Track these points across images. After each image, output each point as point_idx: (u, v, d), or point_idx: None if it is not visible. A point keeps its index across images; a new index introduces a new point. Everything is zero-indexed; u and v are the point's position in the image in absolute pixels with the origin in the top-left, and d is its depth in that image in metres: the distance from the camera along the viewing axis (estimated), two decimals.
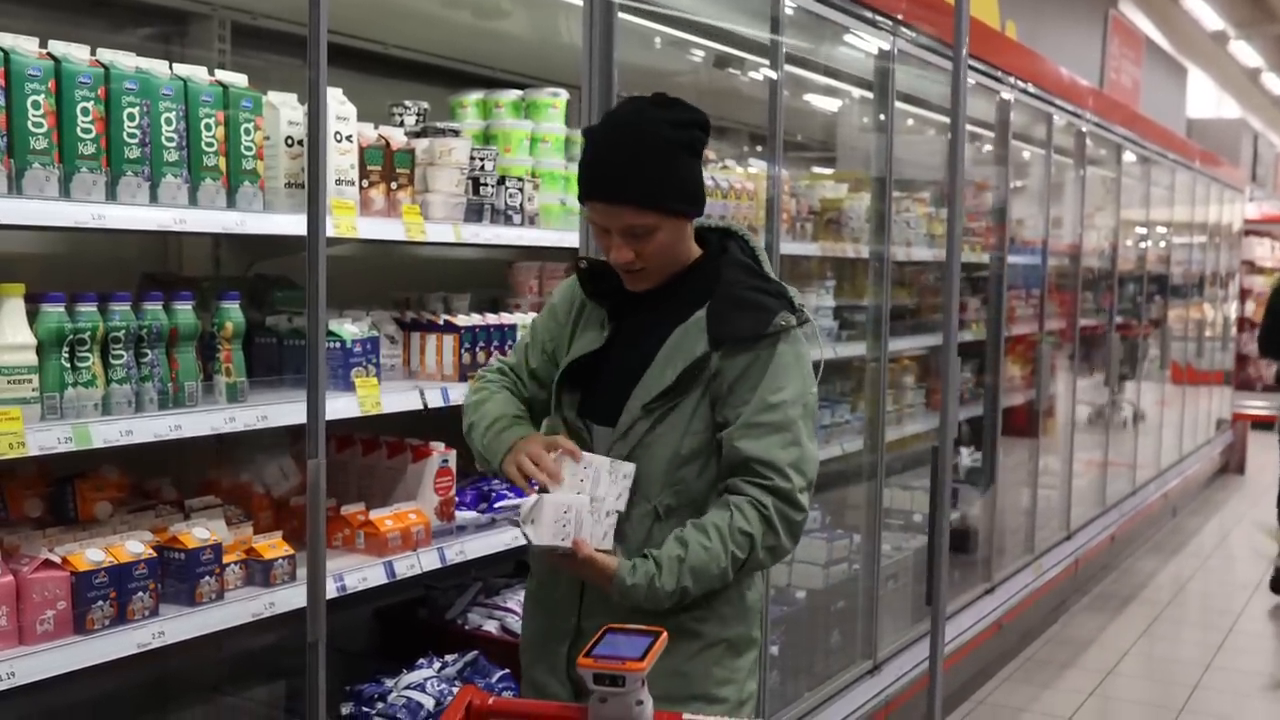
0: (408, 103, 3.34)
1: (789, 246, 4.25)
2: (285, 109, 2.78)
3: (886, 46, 4.54)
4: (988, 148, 6.24)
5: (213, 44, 3.15)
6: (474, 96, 3.68)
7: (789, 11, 3.87)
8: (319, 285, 2.26)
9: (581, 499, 2.13)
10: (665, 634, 1.71)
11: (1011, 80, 5.83)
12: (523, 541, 2.98)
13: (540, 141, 3.67)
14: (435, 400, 3.10)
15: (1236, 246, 13.02)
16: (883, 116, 4.72)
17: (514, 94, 3.70)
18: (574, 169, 3.73)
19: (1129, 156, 8.14)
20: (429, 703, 2.94)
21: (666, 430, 2.20)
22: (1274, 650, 6.32)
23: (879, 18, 4.39)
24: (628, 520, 2.20)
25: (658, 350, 2.23)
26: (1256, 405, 13.66)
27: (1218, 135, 12.77)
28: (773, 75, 3.88)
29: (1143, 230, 8.99)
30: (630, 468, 2.18)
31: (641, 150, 2.16)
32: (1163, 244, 9.63)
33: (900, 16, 4.49)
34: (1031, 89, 6.09)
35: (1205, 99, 15.96)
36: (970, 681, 5.30)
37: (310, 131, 2.25)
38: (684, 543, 2.13)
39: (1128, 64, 9.72)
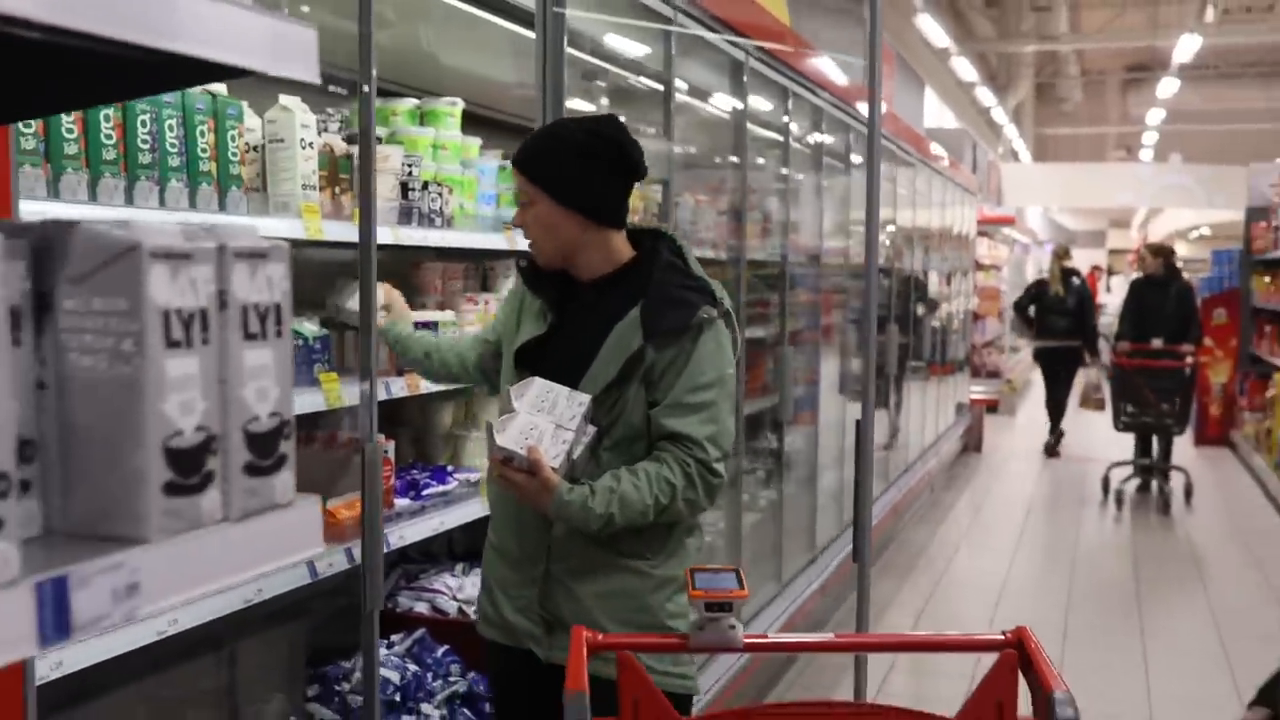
0: (330, 110, 3.46)
1: None
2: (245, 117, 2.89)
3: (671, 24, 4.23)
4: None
5: None
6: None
7: None
8: (371, 288, 2.46)
9: (547, 424, 2.45)
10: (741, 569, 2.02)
11: (802, 80, 5.95)
12: (446, 527, 3.45)
13: (440, 149, 3.85)
14: (380, 393, 3.25)
15: (971, 246, 14.31)
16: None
17: (411, 102, 3.85)
18: (470, 175, 3.95)
19: (889, 160, 8.81)
20: (394, 676, 3.10)
21: (615, 416, 2.55)
22: (1040, 605, 7.10)
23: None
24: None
25: (598, 344, 2.57)
26: (980, 390, 15.10)
27: (947, 143, 13.93)
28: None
29: (897, 230, 9.75)
30: (585, 397, 2.49)
31: (549, 134, 2.64)
32: (914, 243, 10.51)
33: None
34: (817, 90, 6.24)
35: (933, 110, 17.38)
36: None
37: (362, 149, 2.45)
38: (617, 478, 2.48)
39: (884, 74, 10.53)
